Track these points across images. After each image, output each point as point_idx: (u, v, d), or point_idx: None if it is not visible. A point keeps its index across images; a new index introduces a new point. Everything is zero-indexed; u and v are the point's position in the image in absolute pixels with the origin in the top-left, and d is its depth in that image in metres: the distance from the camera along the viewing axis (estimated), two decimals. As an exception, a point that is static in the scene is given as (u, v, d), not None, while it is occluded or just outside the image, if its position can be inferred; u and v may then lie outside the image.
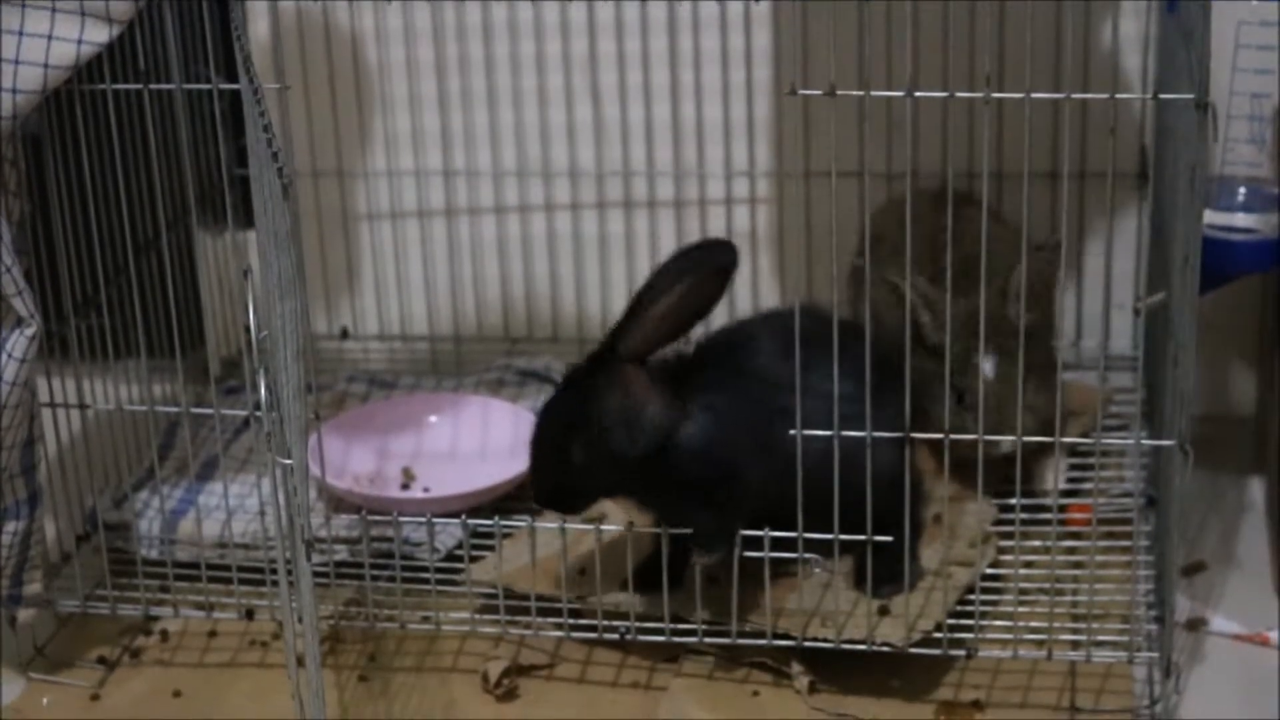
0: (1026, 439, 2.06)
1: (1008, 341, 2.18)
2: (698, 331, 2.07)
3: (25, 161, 2.10)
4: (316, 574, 1.89)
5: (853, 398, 2.04)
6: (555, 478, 2.05)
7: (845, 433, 2.00)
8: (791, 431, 2.00)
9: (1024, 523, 2.07)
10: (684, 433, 2.03)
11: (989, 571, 2.15)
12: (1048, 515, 2.10)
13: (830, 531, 2.02)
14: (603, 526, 2.07)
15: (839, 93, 1.87)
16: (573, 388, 2.06)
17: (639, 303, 2.01)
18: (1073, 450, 2.33)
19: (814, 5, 1.90)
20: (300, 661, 1.79)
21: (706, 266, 2.01)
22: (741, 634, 2.09)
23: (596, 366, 2.03)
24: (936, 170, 2.42)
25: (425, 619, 2.17)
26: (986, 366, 2.24)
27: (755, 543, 2.03)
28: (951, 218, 2.07)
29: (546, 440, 2.05)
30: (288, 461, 1.60)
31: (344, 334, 2.78)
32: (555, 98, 2.60)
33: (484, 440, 2.47)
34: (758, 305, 2.68)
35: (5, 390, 2.04)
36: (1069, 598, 2.14)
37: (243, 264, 2.60)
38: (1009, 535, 2.17)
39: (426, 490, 2.40)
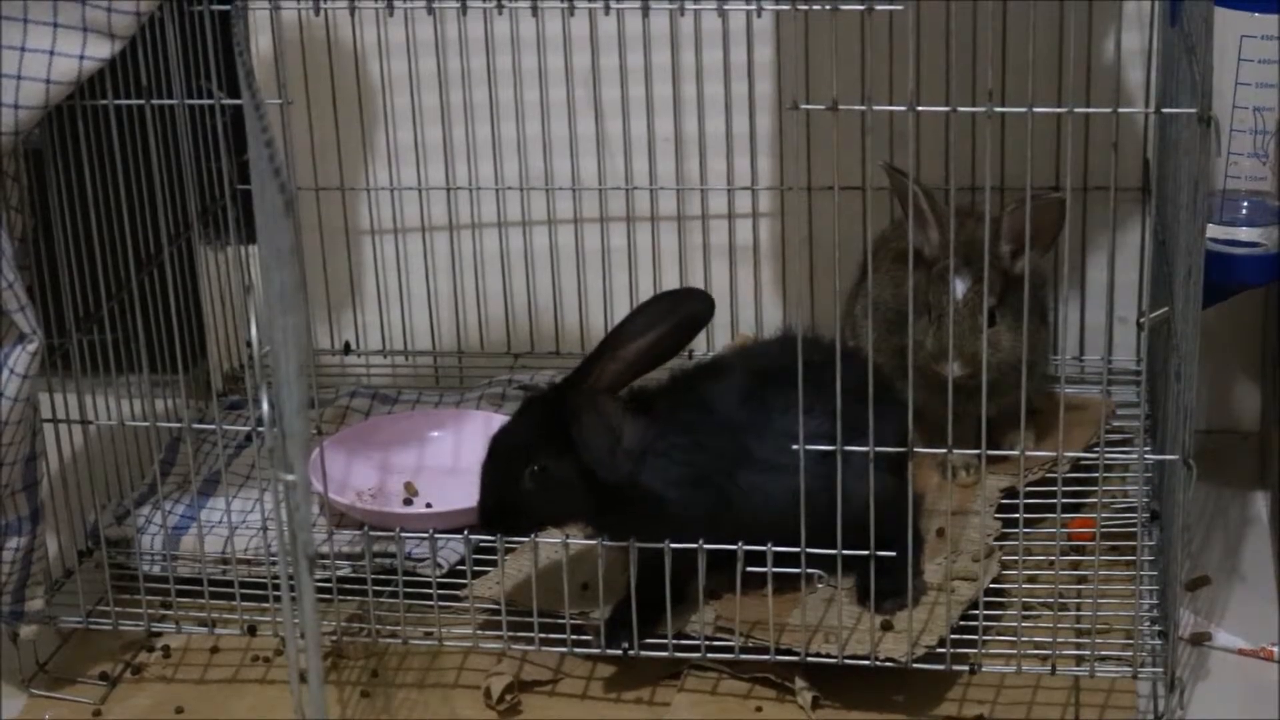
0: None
1: (992, 275, 2.19)
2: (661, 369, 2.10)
3: (27, 176, 2.10)
4: (319, 590, 1.88)
5: (827, 435, 2.05)
6: (502, 498, 2.06)
7: (847, 448, 2.00)
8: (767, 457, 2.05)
9: (1027, 537, 2.07)
10: (640, 473, 2.05)
11: (992, 586, 2.15)
12: (1052, 530, 2.10)
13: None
14: (606, 543, 2.07)
15: (841, 107, 1.87)
16: (531, 413, 2.08)
17: (611, 342, 2.03)
18: (1075, 464, 2.33)
19: (816, 18, 1.90)
20: (303, 677, 1.79)
21: (681, 317, 2.04)
22: (745, 649, 2.09)
23: (564, 394, 2.04)
24: (939, 184, 2.42)
25: (428, 634, 2.17)
26: (957, 285, 2.24)
27: (759, 558, 2.03)
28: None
29: (500, 461, 2.07)
30: (290, 477, 1.60)
31: (346, 349, 2.78)
32: (558, 111, 2.60)
33: (486, 455, 2.47)
34: (760, 319, 2.67)
35: (7, 406, 2.03)
36: (1073, 612, 2.14)
37: (245, 279, 2.60)
38: (1012, 550, 2.17)
39: (429, 505, 2.40)
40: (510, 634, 2.12)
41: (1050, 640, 2.07)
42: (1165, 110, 2.09)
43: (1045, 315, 2.44)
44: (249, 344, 2.60)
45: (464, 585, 2.19)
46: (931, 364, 2.21)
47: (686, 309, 2.05)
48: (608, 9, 2.16)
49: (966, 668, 2.07)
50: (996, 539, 2.22)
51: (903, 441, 2.08)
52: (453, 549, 2.27)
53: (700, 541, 2.02)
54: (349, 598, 2.22)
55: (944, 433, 2.05)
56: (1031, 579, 2.18)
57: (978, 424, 2.10)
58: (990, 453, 2.05)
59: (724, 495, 2.07)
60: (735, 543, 2.03)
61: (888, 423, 2.06)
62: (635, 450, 2.04)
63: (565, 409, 2.03)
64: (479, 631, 2.16)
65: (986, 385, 2.20)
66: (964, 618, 2.10)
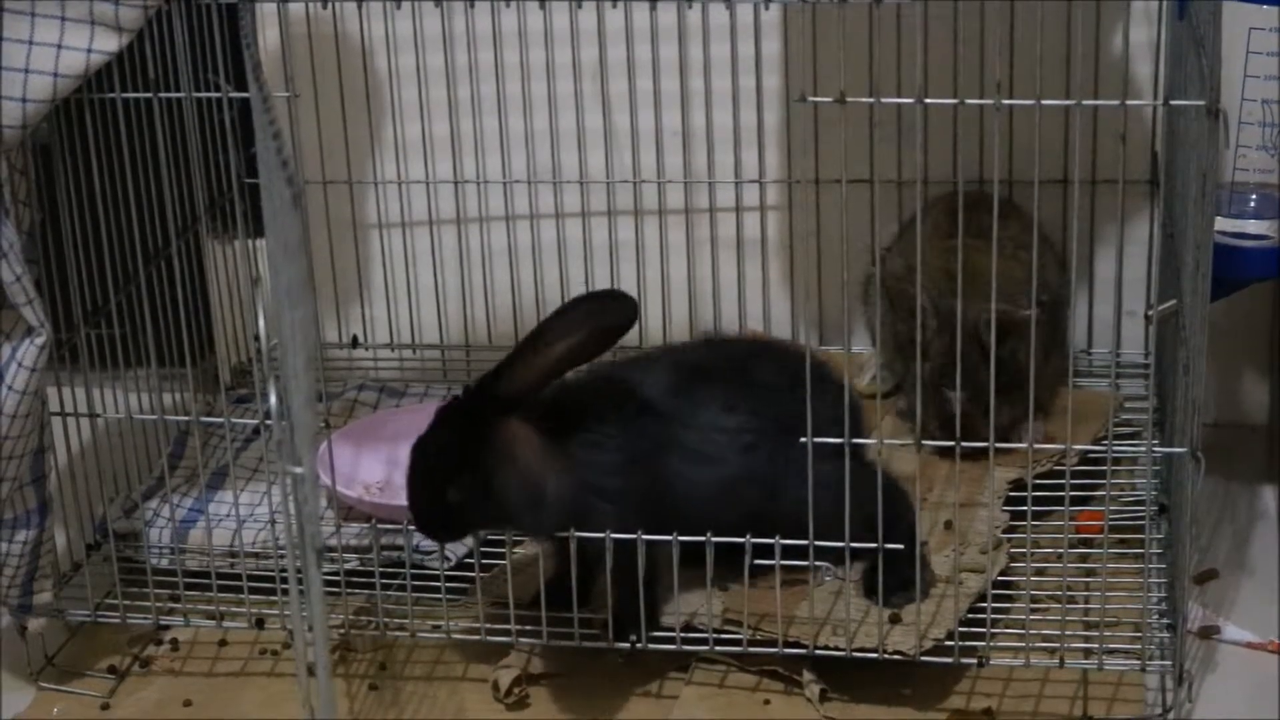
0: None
1: (982, 368, 2.19)
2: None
3: (35, 170, 2.10)
4: (327, 583, 1.88)
5: (752, 430, 2.06)
6: (432, 512, 2.06)
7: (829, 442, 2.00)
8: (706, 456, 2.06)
9: (1036, 530, 2.07)
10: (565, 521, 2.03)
11: (1000, 579, 2.15)
12: (1060, 523, 2.10)
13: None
14: (614, 535, 2.07)
15: (849, 100, 1.87)
16: (449, 428, 2.04)
17: (527, 347, 2.01)
18: (1083, 457, 2.32)
19: (824, 12, 1.90)
20: (311, 670, 1.79)
21: (602, 323, 2.02)
22: (752, 642, 2.09)
23: (482, 408, 2.02)
24: (947, 177, 2.42)
25: (436, 628, 2.17)
26: (955, 401, 2.26)
27: (767, 551, 2.03)
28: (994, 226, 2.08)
29: (421, 478, 2.05)
30: (298, 470, 1.60)
31: (354, 342, 2.78)
32: (565, 105, 2.60)
33: (494, 448, 2.47)
34: (767, 313, 2.67)
35: (15, 399, 2.04)
36: (1081, 606, 2.14)
37: (252, 273, 2.60)
38: (1020, 543, 2.16)
39: (437, 499, 2.40)
40: (518, 627, 2.12)
41: (1058, 633, 2.07)
42: (1173, 103, 2.09)
43: (1065, 338, 2.43)
44: (257, 337, 2.61)
45: (471, 579, 2.20)
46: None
47: (606, 318, 2.02)
48: (615, 2, 2.16)
49: (974, 661, 2.07)
50: (1005, 531, 2.22)
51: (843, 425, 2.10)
52: (460, 542, 2.27)
53: (709, 534, 2.02)
54: (357, 591, 2.23)
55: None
56: (1040, 572, 2.18)
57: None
58: (999, 445, 2.05)
59: (652, 490, 2.07)
60: (669, 531, 2.03)
61: (825, 409, 2.07)
62: (560, 505, 1.98)
63: (484, 429, 2.00)
64: (487, 624, 2.16)
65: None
66: (972, 610, 2.10)
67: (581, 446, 2.03)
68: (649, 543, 2.03)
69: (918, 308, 2.24)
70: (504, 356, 2.03)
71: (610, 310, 2.03)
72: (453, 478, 2.02)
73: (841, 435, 1.99)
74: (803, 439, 1.99)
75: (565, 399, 2.05)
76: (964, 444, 2.02)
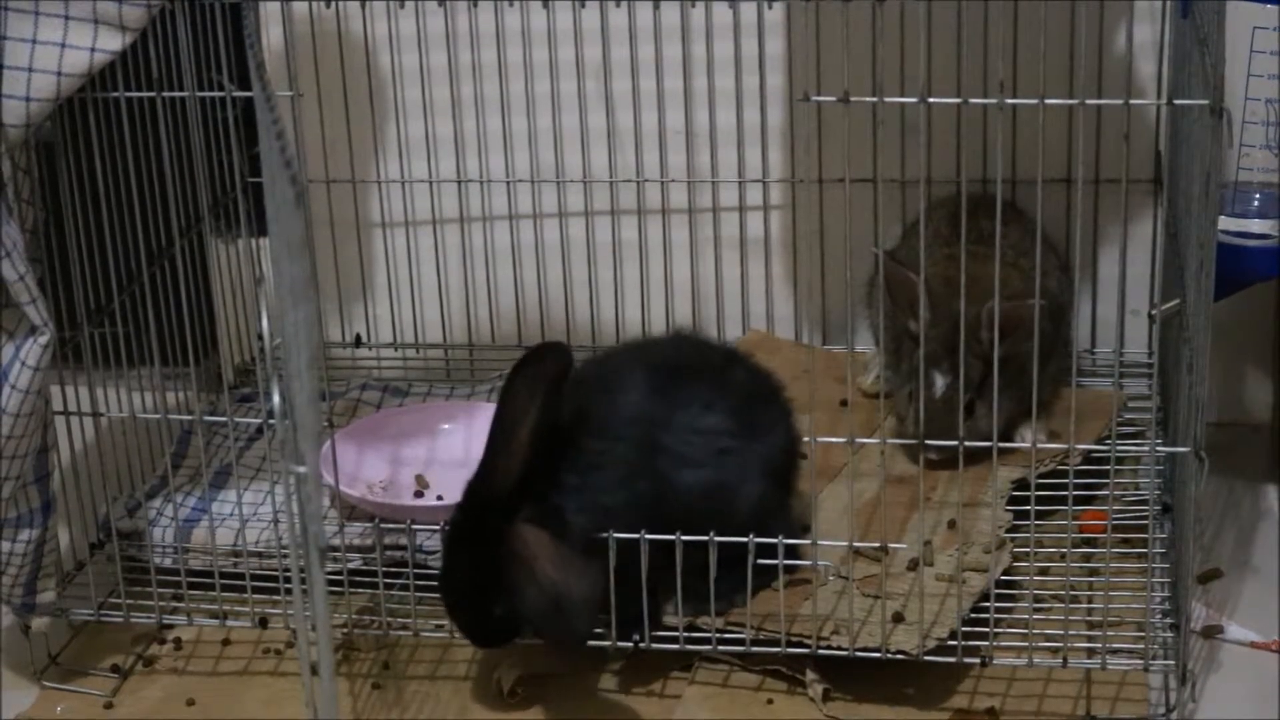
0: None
1: (972, 364, 2.21)
2: None
3: (39, 169, 2.10)
4: (330, 582, 1.88)
5: (728, 432, 2.09)
6: (488, 636, 2.09)
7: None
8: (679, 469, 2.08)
9: (1039, 529, 2.07)
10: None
11: (1004, 578, 2.15)
12: (1063, 522, 2.10)
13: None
14: (616, 535, 2.06)
15: (852, 99, 1.87)
16: (463, 554, 2.05)
17: (498, 436, 2.02)
18: (1086, 457, 2.32)
19: (827, 11, 1.90)
20: (314, 670, 1.79)
21: (548, 383, 2.02)
22: (756, 641, 2.09)
23: (483, 523, 2.02)
24: (951, 176, 2.42)
25: (439, 627, 2.17)
26: (936, 381, 2.29)
27: (769, 551, 2.03)
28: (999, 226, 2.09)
29: (465, 612, 2.06)
30: (301, 469, 1.60)
31: (357, 341, 2.78)
32: (568, 104, 2.59)
33: (497, 448, 2.47)
34: (771, 312, 2.67)
35: (19, 398, 2.04)
36: (1084, 605, 2.13)
37: (256, 272, 2.60)
38: (1024, 542, 2.16)
39: (440, 498, 2.40)
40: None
41: (1062, 633, 2.07)
42: (1177, 102, 2.08)
43: (1066, 341, 2.44)
44: (260, 336, 2.61)
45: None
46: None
47: (551, 373, 2.02)
48: (619, 1, 2.16)
49: (978, 660, 2.07)
50: (1008, 531, 2.22)
51: (788, 447, 2.11)
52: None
53: (711, 534, 2.02)
54: (360, 590, 2.22)
55: None
56: (1043, 571, 2.18)
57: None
58: (1002, 445, 2.05)
59: (652, 494, 2.08)
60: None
61: (778, 427, 2.10)
62: (588, 608, 1.97)
63: (495, 541, 2.01)
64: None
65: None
66: (975, 610, 2.09)
67: (578, 471, 2.04)
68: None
69: (920, 294, 2.24)
70: (480, 463, 2.04)
71: (550, 361, 2.03)
72: (490, 596, 2.03)
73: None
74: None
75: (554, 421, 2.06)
76: (967, 444, 2.02)
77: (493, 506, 2.02)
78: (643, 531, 2.02)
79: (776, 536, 2.04)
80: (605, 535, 2.02)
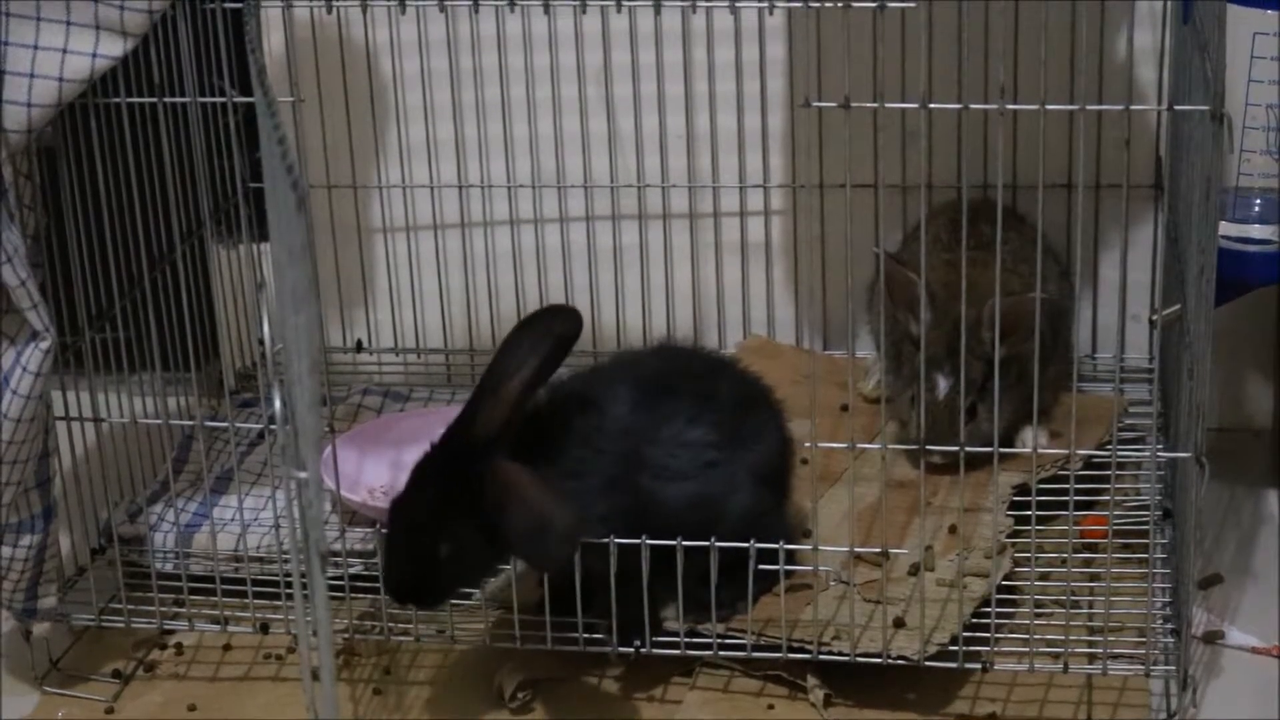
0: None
1: (973, 365, 2.21)
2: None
3: (40, 175, 2.10)
4: (331, 587, 1.88)
5: (713, 444, 2.09)
6: (417, 577, 2.03)
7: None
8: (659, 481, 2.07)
9: (1040, 535, 2.07)
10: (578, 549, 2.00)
11: (1005, 584, 2.15)
12: (1064, 527, 2.10)
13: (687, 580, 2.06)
14: (617, 540, 2.06)
15: (853, 104, 1.87)
16: (429, 483, 2.02)
17: (489, 383, 2.01)
18: (1087, 462, 2.32)
19: (829, 16, 1.90)
20: (315, 675, 1.79)
21: (552, 339, 2.01)
22: (757, 646, 2.09)
23: (460, 455, 2.00)
24: (951, 181, 2.42)
25: (440, 632, 2.17)
26: (939, 384, 2.29)
27: (769, 556, 2.03)
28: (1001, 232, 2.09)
29: (408, 538, 2.02)
30: (302, 474, 1.60)
31: (358, 347, 2.78)
32: (569, 109, 2.60)
33: (498, 453, 2.47)
34: (772, 317, 2.67)
35: (20, 403, 2.04)
36: (1085, 610, 2.13)
37: (257, 277, 2.60)
38: (1025, 548, 2.16)
39: (441, 503, 2.39)
40: (522, 632, 2.12)
41: (1063, 638, 2.07)
42: (1178, 107, 2.09)
43: (1066, 346, 2.44)
44: (261, 342, 2.60)
45: (476, 583, 2.19)
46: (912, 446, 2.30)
47: (557, 330, 2.02)
48: (620, 6, 2.16)
49: (979, 666, 2.07)
50: (1009, 536, 2.22)
51: (780, 450, 2.11)
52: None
53: (713, 539, 2.02)
54: (361, 595, 2.23)
55: None
56: (1044, 577, 2.18)
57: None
58: (1003, 450, 2.05)
59: (634, 508, 2.08)
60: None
61: (767, 433, 2.10)
62: (570, 533, 1.94)
63: (467, 475, 1.99)
64: (491, 629, 2.16)
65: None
66: (976, 615, 2.09)
67: (562, 477, 2.03)
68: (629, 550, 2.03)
69: (920, 295, 2.24)
70: (464, 406, 2.02)
71: (558, 324, 2.03)
72: (444, 533, 2.00)
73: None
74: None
75: (534, 428, 2.05)
76: (968, 449, 2.02)
77: (471, 448, 2.00)
78: (644, 537, 2.02)
79: (773, 542, 2.03)
80: (605, 540, 2.02)
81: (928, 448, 2.10)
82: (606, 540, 2.02)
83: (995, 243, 2.06)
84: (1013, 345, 2.20)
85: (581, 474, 2.04)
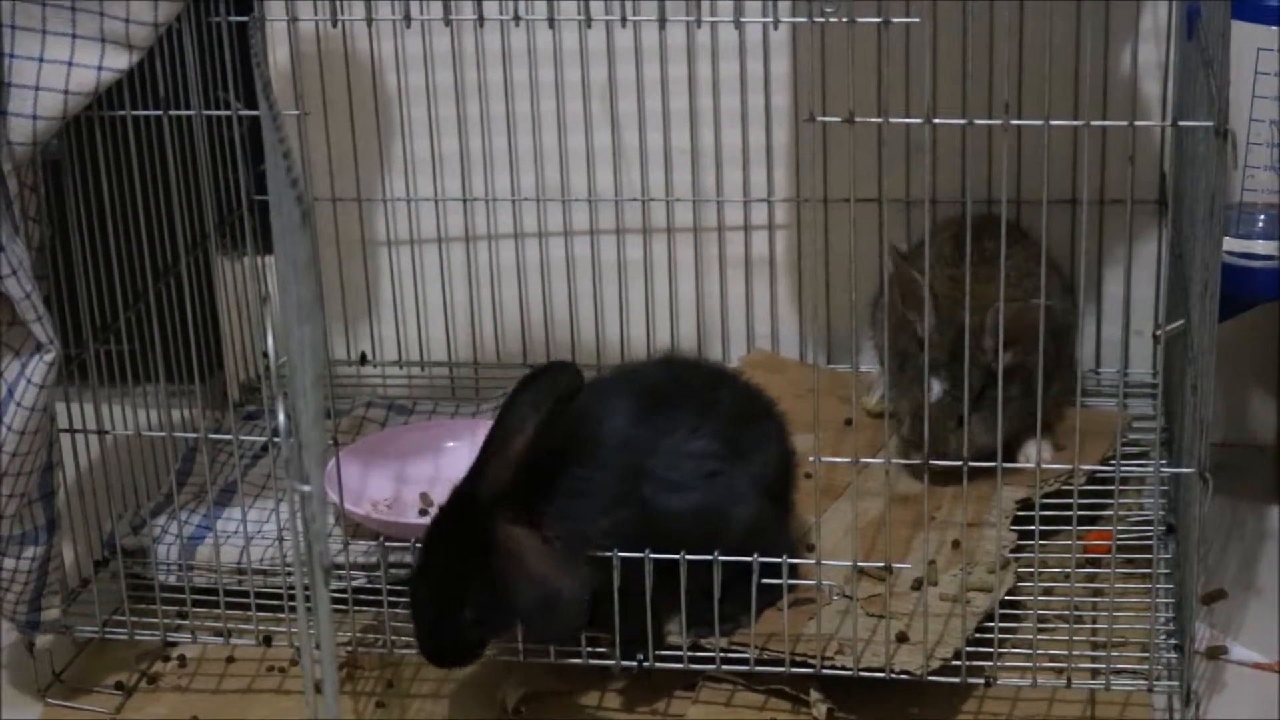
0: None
1: (973, 372, 2.22)
2: None
3: (45, 187, 2.10)
4: (334, 600, 1.88)
5: (715, 455, 2.09)
6: (447, 643, 2.04)
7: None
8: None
9: (1043, 549, 2.06)
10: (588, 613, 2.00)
11: (1008, 598, 2.15)
12: (1067, 542, 2.10)
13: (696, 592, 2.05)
14: (621, 554, 2.06)
15: (857, 119, 1.87)
16: (443, 550, 2.02)
17: (494, 443, 2.01)
18: (1090, 477, 2.32)
19: (833, 31, 1.90)
20: (318, 688, 1.78)
21: (554, 397, 2.00)
22: (760, 661, 2.09)
23: (469, 519, 2.01)
24: (956, 197, 2.42)
25: (442, 645, 2.17)
26: (933, 387, 2.29)
27: (771, 570, 2.03)
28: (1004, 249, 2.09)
29: (433, 603, 2.03)
30: (306, 487, 1.60)
31: (363, 360, 2.78)
32: (574, 123, 2.60)
33: (502, 466, 2.47)
34: (776, 331, 2.67)
35: (24, 416, 2.04)
36: (1088, 625, 2.13)
37: (261, 290, 2.60)
38: (1028, 562, 2.16)
39: (444, 516, 2.40)
40: (525, 645, 2.11)
41: (1066, 653, 2.07)
42: (1182, 124, 2.09)
43: (1070, 362, 2.44)
44: (265, 354, 2.61)
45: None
46: (907, 448, 2.32)
47: (560, 388, 2.01)
48: (625, 22, 2.16)
49: (982, 680, 2.07)
50: (1012, 551, 2.22)
51: (783, 462, 2.11)
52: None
53: (715, 554, 2.02)
54: (364, 608, 2.23)
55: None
56: (1047, 591, 2.18)
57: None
58: (1006, 465, 2.05)
59: (639, 520, 2.08)
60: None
61: (770, 445, 2.10)
62: (578, 606, 1.95)
63: (478, 538, 1.99)
64: (494, 642, 2.16)
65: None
66: (979, 630, 2.09)
67: (562, 496, 2.03)
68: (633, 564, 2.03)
69: (924, 297, 2.24)
70: (473, 462, 2.03)
71: (560, 380, 2.02)
72: (464, 598, 2.01)
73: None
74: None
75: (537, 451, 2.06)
76: (972, 464, 2.02)
77: (476, 510, 2.00)
78: (647, 551, 2.02)
79: (775, 555, 2.04)
80: (608, 555, 2.02)
81: (931, 462, 2.10)
82: (609, 554, 2.02)
83: (999, 257, 2.06)
84: (1015, 355, 2.20)
85: (585, 491, 2.04)
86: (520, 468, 2.00)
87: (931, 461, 2.04)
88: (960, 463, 2.02)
